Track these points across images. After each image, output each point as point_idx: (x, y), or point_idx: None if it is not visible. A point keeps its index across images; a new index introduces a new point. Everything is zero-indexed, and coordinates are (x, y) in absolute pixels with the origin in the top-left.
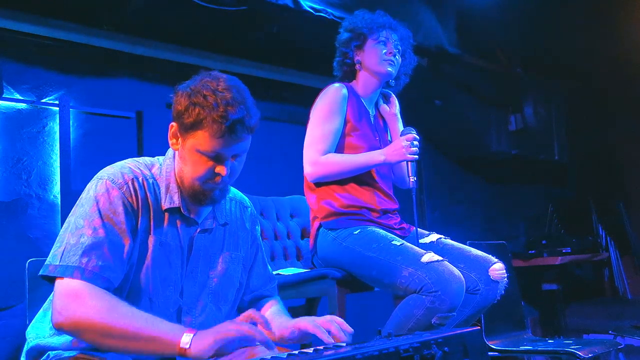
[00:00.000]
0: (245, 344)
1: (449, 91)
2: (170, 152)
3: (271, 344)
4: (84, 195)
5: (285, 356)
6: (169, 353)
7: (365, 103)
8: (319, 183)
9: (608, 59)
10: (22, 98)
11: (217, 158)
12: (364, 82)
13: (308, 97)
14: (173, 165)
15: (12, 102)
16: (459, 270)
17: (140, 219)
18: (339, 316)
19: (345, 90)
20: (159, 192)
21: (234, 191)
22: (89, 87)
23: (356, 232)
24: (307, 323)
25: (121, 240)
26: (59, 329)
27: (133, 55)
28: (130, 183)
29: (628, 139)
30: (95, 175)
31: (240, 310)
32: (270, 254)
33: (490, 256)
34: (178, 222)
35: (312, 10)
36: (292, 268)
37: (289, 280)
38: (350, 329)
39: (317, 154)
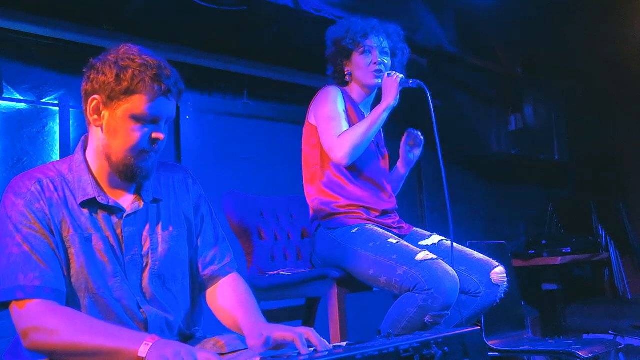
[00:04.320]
0: None
1: (449, 91)
2: (78, 146)
3: None
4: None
5: (285, 357)
6: None
7: (361, 107)
8: (317, 183)
9: (608, 59)
10: (22, 98)
11: (154, 121)
12: (357, 90)
13: (308, 97)
14: (83, 158)
15: (12, 102)
16: (461, 273)
17: (53, 219)
18: (339, 316)
19: (340, 92)
20: (71, 189)
21: (170, 165)
22: None
23: (354, 231)
24: (284, 332)
25: (48, 246)
26: (31, 352)
27: None
28: (32, 188)
29: (628, 138)
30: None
31: (200, 286)
32: (270, 254)
33: (491, 259)
34: (99, 213)
35: (312, 10)
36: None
37: (289, 280)
38: (329, 345)
39: (334, 139)
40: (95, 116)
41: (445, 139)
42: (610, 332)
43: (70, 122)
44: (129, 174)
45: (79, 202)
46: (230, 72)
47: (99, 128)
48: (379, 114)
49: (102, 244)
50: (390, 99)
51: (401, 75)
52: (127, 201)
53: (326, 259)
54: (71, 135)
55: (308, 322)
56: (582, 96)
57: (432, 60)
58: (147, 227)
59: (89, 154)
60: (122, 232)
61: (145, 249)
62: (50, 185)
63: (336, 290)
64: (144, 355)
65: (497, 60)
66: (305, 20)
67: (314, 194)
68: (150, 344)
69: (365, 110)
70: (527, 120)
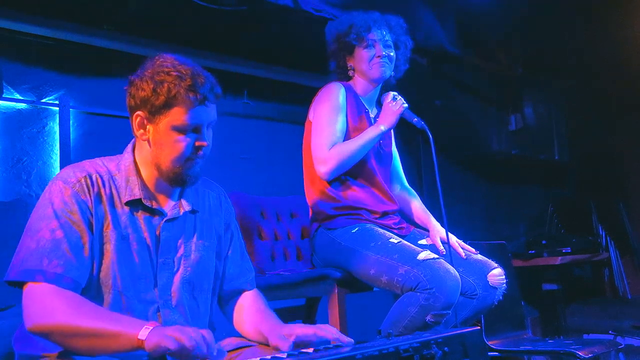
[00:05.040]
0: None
1: (449, 91)
2: (129, 147)
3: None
4: (41, 197)
5: (285, 356)
6: (131, 347)
7: (365, 102)
8: (318, 184)
9: (608, 59)
10: (22, 98)
11: (195, 130)
12: (360, 84)
13: (308, 97)
14: (132, 159)
15: (12, 102)
16: (458, 274)
17: (96, 214)
18: (339, 316)
19: (343, 89)
20: (118, 187)
21: (207, 181)
22: (89, 87)
23: (354, 231)
24: (305, 328)
25: (80, 239)
26: (32, 334)
27: (133, 55)
28: (82, 180)
29: (628, 139)
30: (53, 177)
31: (220, 301)
32: (270, 254)
33: (490, 261)
34: (140, 214)
35: (312, 10)
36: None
37: (289, 280)
38: (349, 339)
39: (325, 152)
40: (141, 131)
41: (446, 139)
42: (610, 332)
43: (70, 122)
44: (178, 181)
45: (124, 201)
46: (230, 72)
47: (146, 142)
48: (372, 137)
49: (137, 245)
50: (387, 124)
51: (406, 105)
52: (168, 207)
53: (326, 259)
54: (71, 135)
55: (308, 322)
56: (582, 96)
57: (432, 60)
58: (183, 234)
59: (138, 158)
60: (160, 235)
61: (178, 255)
62: (99, 181)
63: (336, 290)
64: (143, 338)
65: (497, 60)
66: (305, 20)
67: (314, 195)
68: (151, 328)
69: (368, 104)
70: (527, 120)
